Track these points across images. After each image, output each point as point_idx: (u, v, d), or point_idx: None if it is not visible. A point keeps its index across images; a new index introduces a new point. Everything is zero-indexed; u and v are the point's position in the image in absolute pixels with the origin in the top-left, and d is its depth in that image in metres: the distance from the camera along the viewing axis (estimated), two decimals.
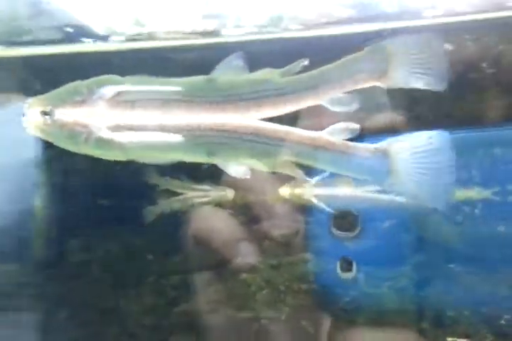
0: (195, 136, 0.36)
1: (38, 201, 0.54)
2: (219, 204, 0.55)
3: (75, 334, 0.56)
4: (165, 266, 0.57)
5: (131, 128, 0.36)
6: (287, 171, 0.38)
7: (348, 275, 0.52)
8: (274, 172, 0.39)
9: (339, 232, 0.52)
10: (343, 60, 0.37)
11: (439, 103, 0.52)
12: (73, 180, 0.54)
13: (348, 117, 0.40)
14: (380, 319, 0.51)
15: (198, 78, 0.37)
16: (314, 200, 0.54)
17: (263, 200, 0.54)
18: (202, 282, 0.56)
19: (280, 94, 0.37)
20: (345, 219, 0.52)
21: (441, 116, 0.53)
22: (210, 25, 0.53)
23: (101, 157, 0.37)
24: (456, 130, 0.50)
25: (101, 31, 0.52)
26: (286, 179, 0.53)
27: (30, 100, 0.37)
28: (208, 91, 0.37)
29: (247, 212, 0.55)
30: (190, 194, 0.56)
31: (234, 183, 0.54)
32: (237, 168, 0.37)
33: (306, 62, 0.37)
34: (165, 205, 0.56)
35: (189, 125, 0.36)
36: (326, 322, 0.53)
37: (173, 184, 0.56)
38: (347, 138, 0.38)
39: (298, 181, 0.53)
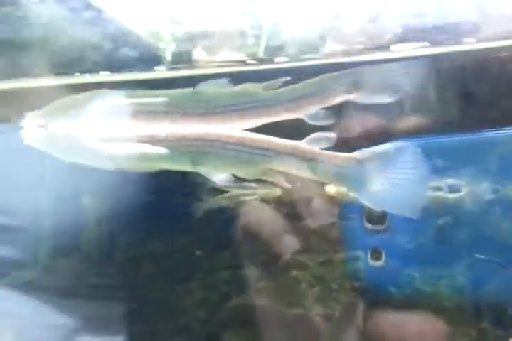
0: (181, 146, 0.38)
1: (89, 199, 0.57)
2: (265, 201, 0.56)
3: (130, 328, 0.59)
4: (216, 261, 0.58)
5: (120, 140, 0.38)
6: (270, 178, 0.39)
7: (378, 264, 0.52)
8: None
9: (370, 225, 0.52)
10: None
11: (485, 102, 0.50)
12: (124, 178, 0.57)
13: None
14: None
15: (185, 90, 0.39)
16: None
17: (308, 197, 0.54)
18: (252, 278, 0.57)
19: (262, 106, 0.38)
20: (375, 213, 0.51)
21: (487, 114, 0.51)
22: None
23: (93, 166, 0.39)
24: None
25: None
26: None
27: (28, 114, 0.39)
28: (194, 102, 0.38)
29: (293, 208, 0.55)
30: (237, 191, 0.57)
31: None
32: (219, 176, 0.38)
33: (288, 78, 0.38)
34: (213, 202, 0.57)
35: (175, 135, 0.38)
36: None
37: None
38: (324, 147, 0.39)
39: None
